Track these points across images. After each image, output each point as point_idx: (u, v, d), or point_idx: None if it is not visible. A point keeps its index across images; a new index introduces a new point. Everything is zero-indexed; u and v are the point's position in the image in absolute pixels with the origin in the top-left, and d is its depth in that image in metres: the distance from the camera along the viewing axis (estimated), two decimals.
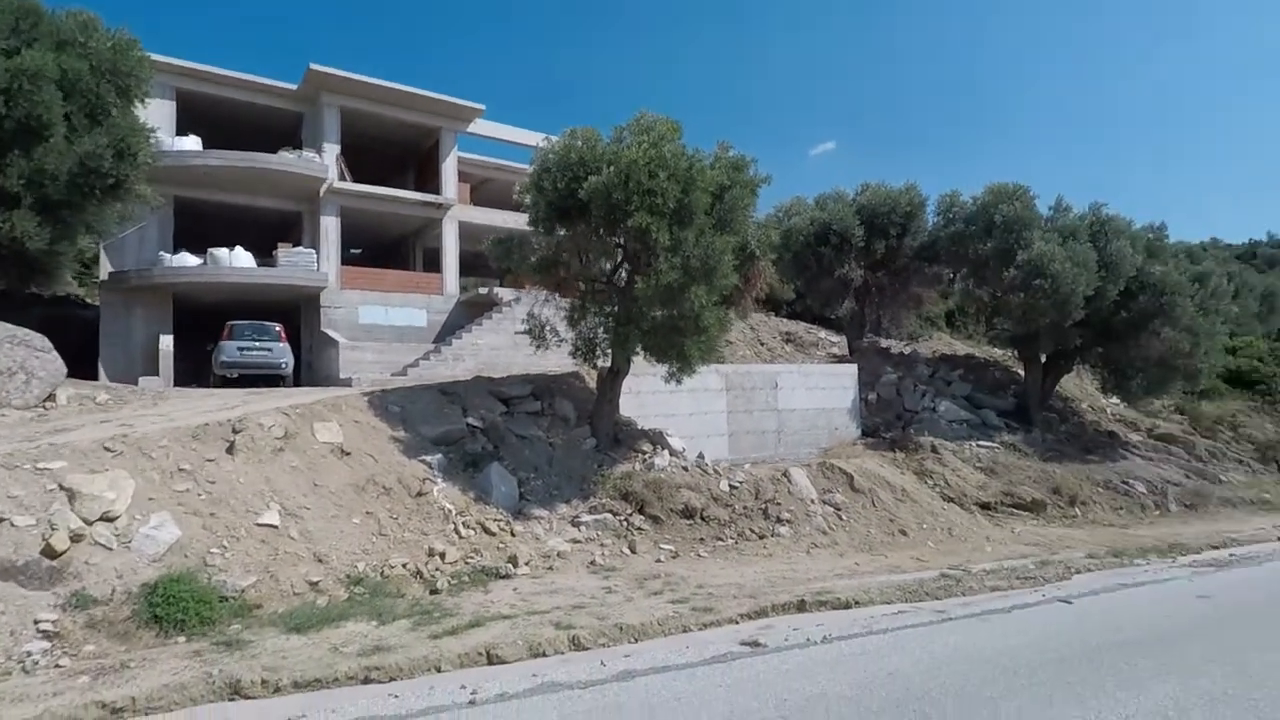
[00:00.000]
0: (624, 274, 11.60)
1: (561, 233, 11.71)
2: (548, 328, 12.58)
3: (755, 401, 17.14)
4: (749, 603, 7.99)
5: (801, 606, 8.07)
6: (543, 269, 11.85)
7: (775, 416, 17.44)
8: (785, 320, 32.49)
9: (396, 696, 5.18)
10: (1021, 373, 22.19)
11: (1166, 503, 17.22)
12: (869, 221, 21.60)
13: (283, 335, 17.25)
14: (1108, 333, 18.69)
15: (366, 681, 5.56)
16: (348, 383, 16.53)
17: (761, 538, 11.42)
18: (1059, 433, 20.32)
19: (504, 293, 21.76)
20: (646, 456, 13.01)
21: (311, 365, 20.95)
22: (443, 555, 8.89)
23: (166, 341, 18.07)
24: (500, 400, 13.44)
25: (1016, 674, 5.66)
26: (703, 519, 11.78)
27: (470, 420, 12.54)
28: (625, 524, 11.16)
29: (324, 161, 20.88)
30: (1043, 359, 20.45)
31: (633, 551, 10.27)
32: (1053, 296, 16.92)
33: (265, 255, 20.66)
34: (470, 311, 22.65)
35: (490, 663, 6.14)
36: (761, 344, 29.92)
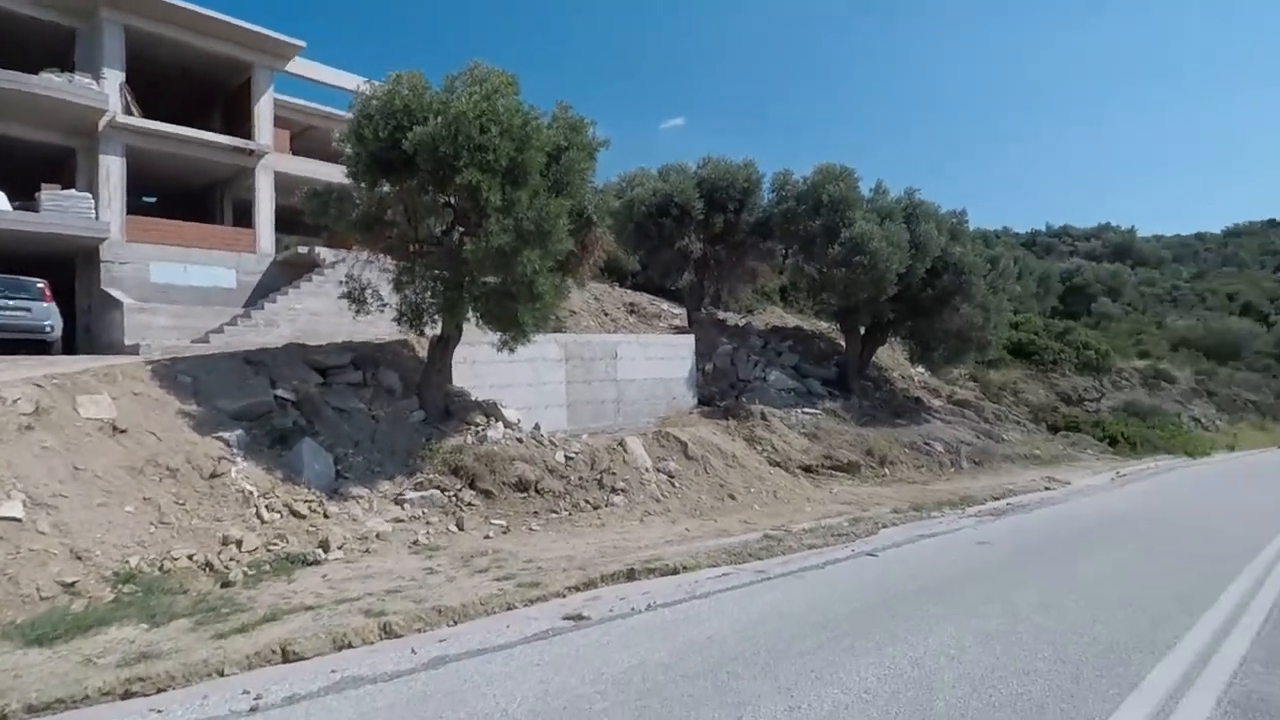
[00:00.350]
0: (456, 235, 10.88)
1: (385, 188, 10.78)
2: (369, 290, 11.63)
3: (595, 372, 17.02)
4: (578, 575, 7.82)
5: (631, 575, 8.02)
6: (364, 226, 10.88)
7: (615, 386, 17.44)
8: (629, 291, 32.71)
9: (160, 711, 4.46)
10: (844, 344, 23.78)
11: (960, 460, 19.20)
12: (709, 195, 22.03)
13: (46, 293, 14.76)
14: (916, 307, 20.40)
15: (127, 696, 4.77)
16: (135, 350, 14.47)
17: (596, 508, 11.34)
18: (874, 399, 22.02)
19: (327, 253, 20.00)
20: (479, 429, 12.48)
21: (91, 330, 18.23)
22: (239, 543, 7.95)
23: None
24: (316, 370, 12.31)
25: (825, 627, 5.89)
26: (537, 491, 11.50)
27: (280, 392, 11.37)
28: (454, 500, 10.64)
29: (103, 90, 17.96)
30: (861, 331, 21.98)
31: (460, 529, 9.79)
32: (871, 272, 18.13)
33: (29, 199, 17.56)
34: (289, 273, 20.63)
35: (286, 660, 5.49)
36: (605, 315, 29.92)
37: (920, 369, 27.10)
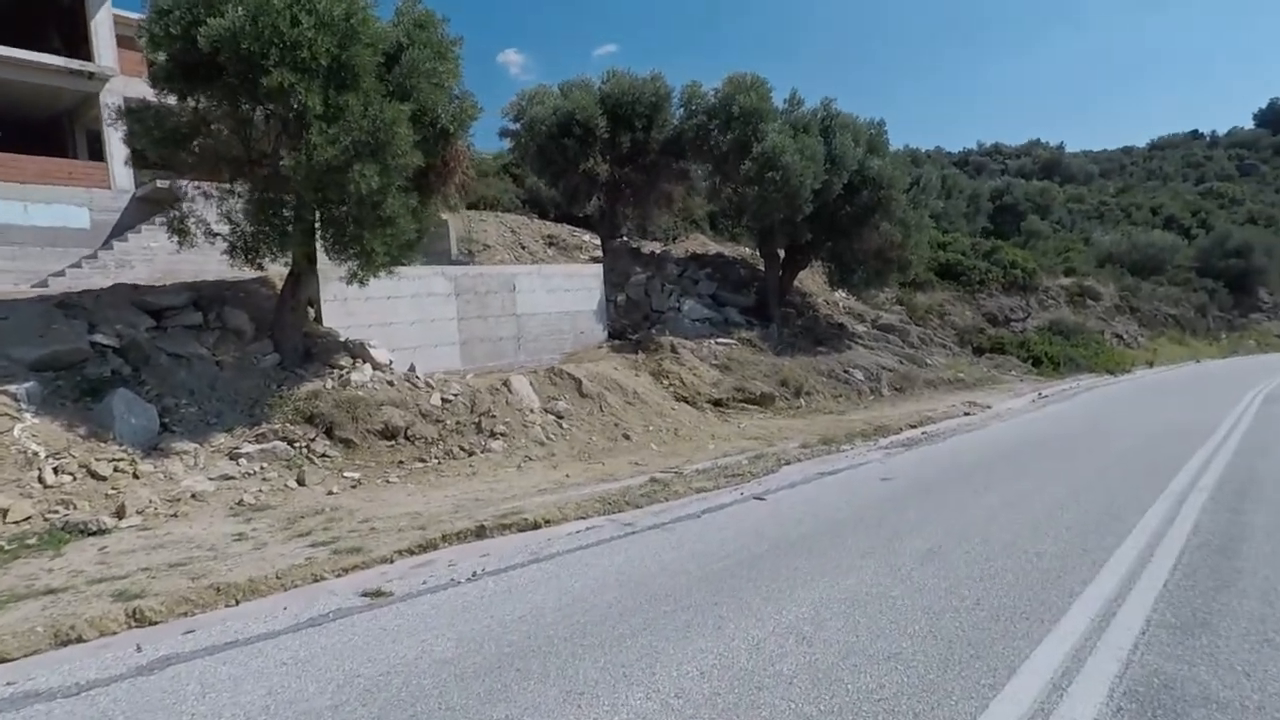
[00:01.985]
0: (281, 151, 9.37)
1: (193, 99, 9.15)
2: (191, 220, 10.08)
3: (490, 306, 15.77)
4: (415, 536, 6.84)
5: (481, 533, 7.08)
6: (173, 144, 9.26)
7: (514, 322, 16.24)
8: (549, 224, 31.13)
9: None
10: (764, 270, 22.91)
11: (880, 387, 18.76)
12: (614, 112, 20.46)
13: None
14: (834, 227, 19.54)
15: None
16: None
17: (470, 455, 10.33)
18: (795, 327, 21.34)
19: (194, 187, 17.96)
20: (343, 372, 11.23)
21: None
22: (4, 513, 6.70)
23: None
24: (149, 313, 10.81)
25: (667, 598, 5.05)
26: (407, 438, 10.43)
27: (98, 338, 9.89)
28: (305, 451, 9.48)
29: None
30: (780, 255, 21.10)
31: (301, 484, 8.66)
32: (784, 189, 17.09)
33: None
34: (152, 210, 18.52)
35: None
36: (523, 248, 28.36)
37: (843, 293, 26.55)
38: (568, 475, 9.81)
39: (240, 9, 8.08)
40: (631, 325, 19.07)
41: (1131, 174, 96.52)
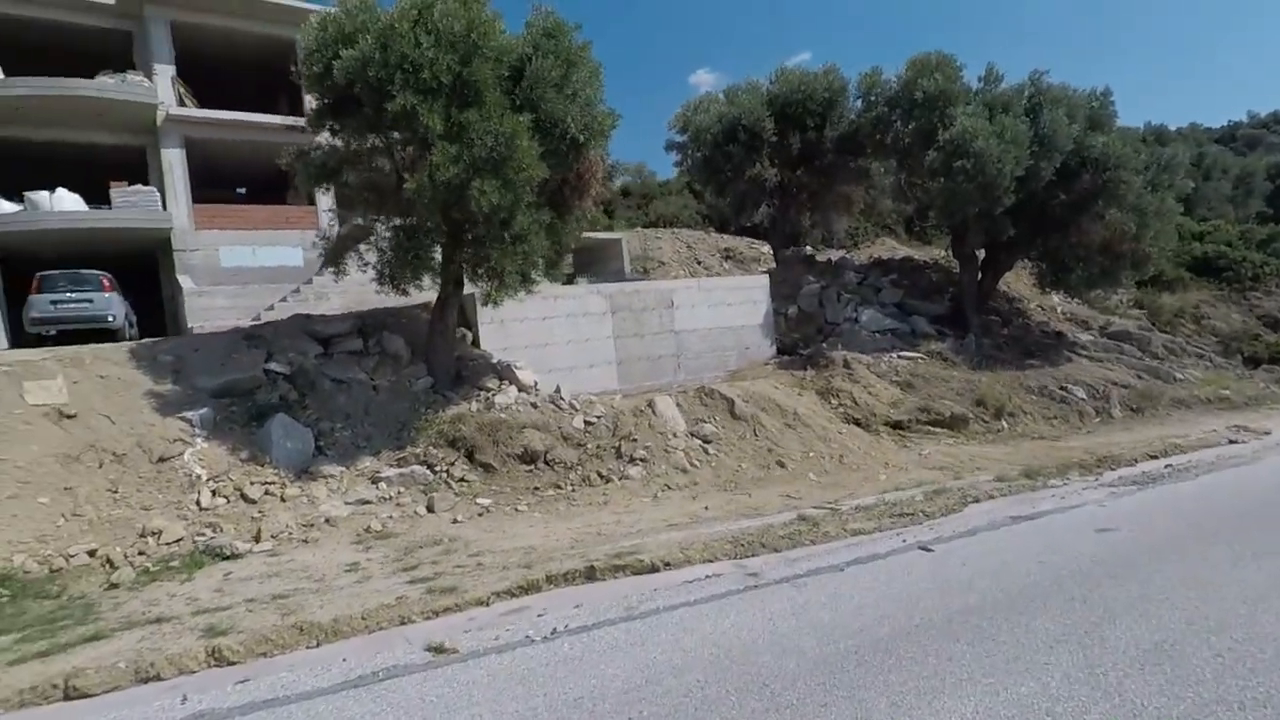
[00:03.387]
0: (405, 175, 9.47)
1: (340, 137, 9.54)
2: (348, 252, 10.52)
3: (647, 324, 15.24)
4: (518, 575, 6.27)
5: (590, 574, 6.37)
6: (321, 178, 9.71)
7: (673, 339, 15.58)
8: (726, 237, 30.33)
9: None
10: (959, 274, 20.31)
11: (1109, 407, 15.64)
12: (783, 113, 19.23)
13: (106, 284, 15.05)
14: (1044, 219, 16.71)
15: None
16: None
17: (607, 482, 9.71)
18: (998, 337, 18.59)
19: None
20: (489, 395, 11.17)
21: (176, 317, 18.82)
22: (159, 534, 7.11)
23: None
24: (318, 341, 11.48)
25: (763, 688, 3.97)
26: (546, 463, 10.05)
27: (273, 365, 10.61)
28: (444, 476, 9.40)
29: (153, 86, 18.18)
30: (979, 256, 18.52)
31: (429, 511, 8.52)
32: (977, 179, 14.83)
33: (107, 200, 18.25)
34: (351, 246, 20.36)
35: (68, 698, 4.42)
36: (698, 263, 27.86)
37: (1061, 297, 22.86)
38: (706, 508, 8.83)
39: (369, 38, 8.19)
40: (803, 339, 17.62)
41: None
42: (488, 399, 10.99)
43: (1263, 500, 8.32)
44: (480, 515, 8.53)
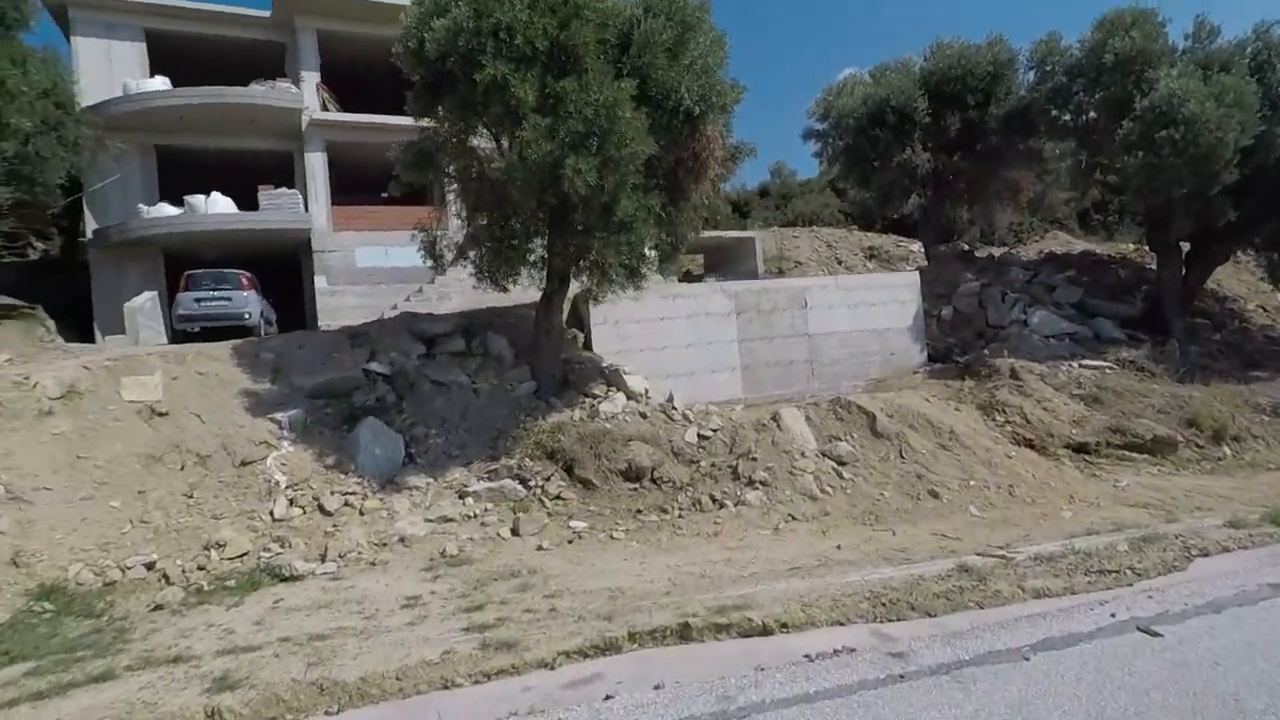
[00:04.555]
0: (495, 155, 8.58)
1: (435, 120, 8.85)
2: (444, 244, 9.87)
3: (777, 325, 13.69)
4: (596, 628, 5.11)
5: (685, 634, 5.10)
6: (417, 167, 9.07)
7: (805, 343, 13.92)
8: (871, 235, 27.98)
9: None
10: (1155, 269, 17.10)
11: None
12: (938, 91, 16.97)
13: (245, 283, 15.57)
14: (1276, 199, 13.48)
15: None
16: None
17: (720, 507, 8.35)
18: (1208, 344, 15.36)
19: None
20: (595, 402, 10.14)
21: (317, 315, 19.46)
22: (223, 547, 6.58)
23: (139, 298, 16.94)
24: (422, 340, 10.95)
25: None
26: (653, 481, 8.88)
27: (373, 366, 10.16)
28: (539, 491, 8.45)
29: (299, 92, 18.85)
30: (1183, 247, 15.39)
31: (515, 534, 7.55)
32: (1187, 151, 12.09)
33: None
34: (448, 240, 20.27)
35: None
36: (839, 263, 25.74)
37: None
38: (838, 546, 7.26)
39: (462, 4, 7.37)
40: (960, 345, 15.35)
41: None
42: (592, 407, 9.96)
43: None
44: (570, 542, 7.45)
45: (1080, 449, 10.88)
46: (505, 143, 8.38)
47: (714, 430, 9.64)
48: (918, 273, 15.63)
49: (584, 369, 10.98)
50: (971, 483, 9.13)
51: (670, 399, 10.34)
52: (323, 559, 6.65)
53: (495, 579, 6.33)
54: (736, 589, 5.98)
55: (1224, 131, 12.00)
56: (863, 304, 14.41)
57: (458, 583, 6.24)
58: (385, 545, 7.04)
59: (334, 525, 7.27)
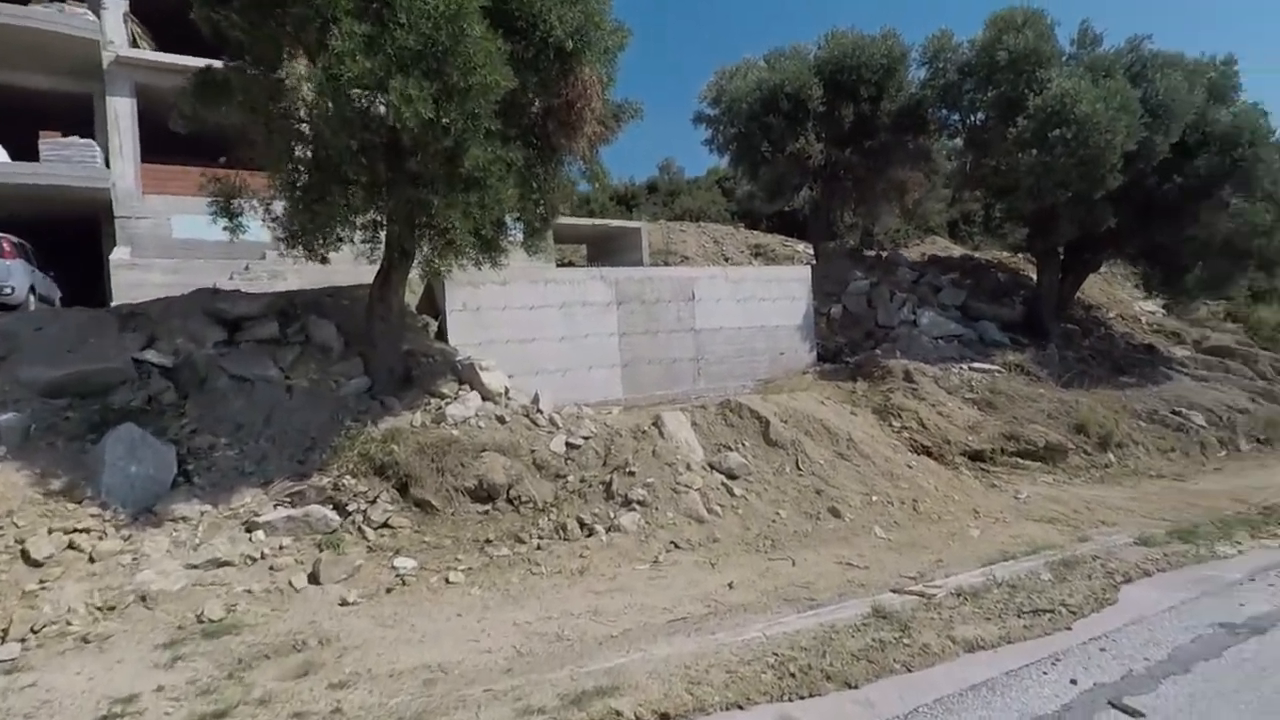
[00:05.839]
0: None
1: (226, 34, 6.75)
2: (241, 201, 7.80)
3: (661, 319, 12.35)
4: None
5: None
6: (206, 93, 6.94)
7: (692, 339, 12.67)
8: (758, 234, 27.50)
9: None
10: (1033, 276, 17.22)
11: (1235, 438, 12.51)
12: (833, 80, 16.25)
13: (6, 249, 12.46)
14: (1151, 209, 13.59)
15: None
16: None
17: (589, 534, 6.82)
18: (1080, 349, 15.47)
19: None
20: (444, 402, 8.35)
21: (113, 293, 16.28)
22: None
23: None
24: (224, 324, 8.73)
25: None
26: (509, 502, 7.24)
27: (150, 355, 7.88)
28: (358, 521, 6.58)
29: (98, 21, 15.62)
30: (1061, 254, 15.42)
31: (314, 581, 5.69)
32: (1078, 152, 11.79)
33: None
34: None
35: None
36: (726, 260, 24.96)
37: (1151, 306, 19.65)
38: (731, 584, 5.91)
39: None
40: (849, 344, 14.63)
41: None
42: (439, 409, 8.16)
43: None
44: (389, 590, 5.67)
45: (976, 456, 10.22)
46: (313, 62, 6.43)
47: (586, 438, 8.11)
48: (808, 269, 14.78)
49: (432, 363, 9.13)
50: (874, 498, 8.09)
51: (535, 400, 8.71)
52: (2, 638, 4.53)
53: (267, 657, 4.49)
54: (603, 658, 4.47)
55: (1112, 134, 11.79)
56: (753, 298, 13.33)
57: (207, 667, 4.35)
58: (115, 609, 5.00)
59: (40, 581, 5.12)
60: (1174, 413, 12.59)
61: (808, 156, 15.97)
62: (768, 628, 4.99)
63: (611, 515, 7.01)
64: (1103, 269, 19.24)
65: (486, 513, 7.14)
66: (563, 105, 7.23)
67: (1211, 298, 16.59)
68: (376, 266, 8.33)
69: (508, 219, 7.73)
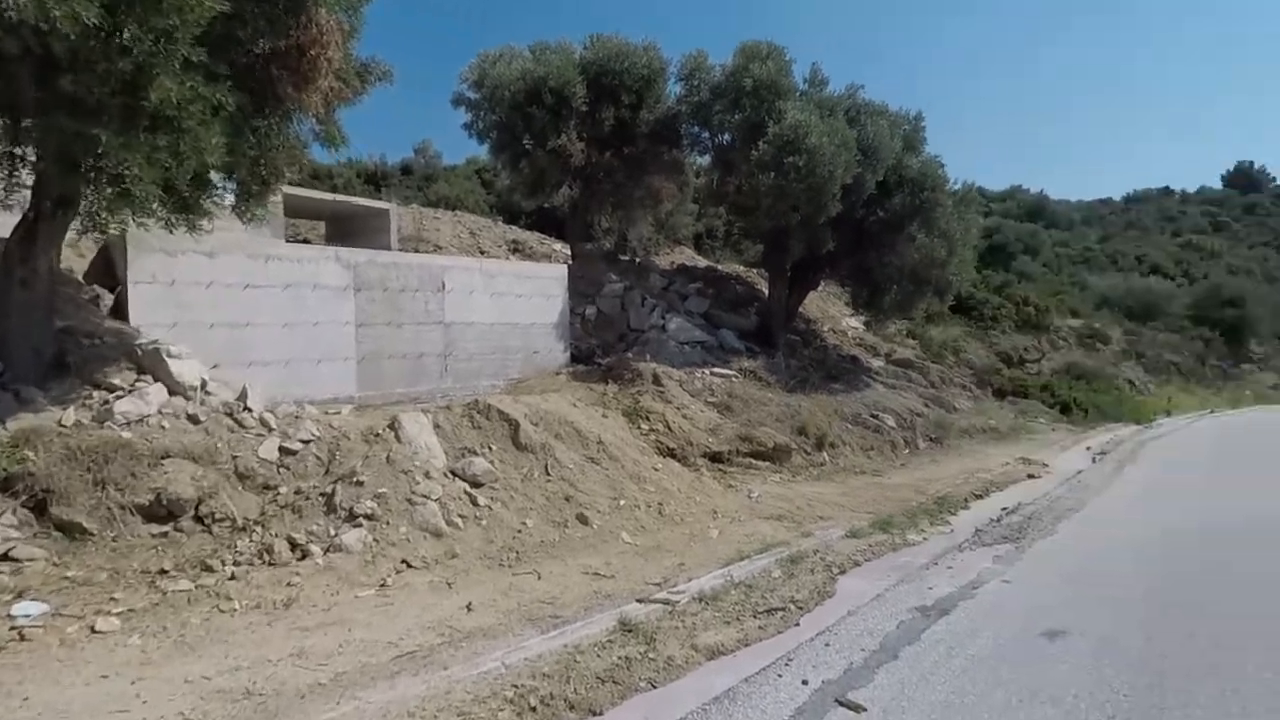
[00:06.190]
0: None
1: None
2: None
3: (407, 310, 11.31)
4: None
5: None
6: None
7: (441, 333, 11.79)
8: (517, 229, 26.91)
9: None
10: (765, 290, 18.83)
11: (916, 438, 14.64)
12: (597, 82, 16.30)
13: None
14: (861, 236, 15.50)
15: None
16: None
17: (303, 556, 5.80)
18: (803, 358, 17.19)
19: None
20: (114, 397, 6.67)
21: None
22: None
23: None
24: None
25: None
26: (199, 520, 5.96)
27: None
28: None
29: None
30: (788, 270, 16.99)
31: None
32: (808, 178, 13.01)
33: None
34: None
35: None
36: (483, 252, 23.97)
37: (854, 322, 22.57)
38: (469, 606, 5.34)
39: None
40: (602, 346, 14.73)
41: (1111, 224, 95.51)
42: (105, 405, 6.50)
43: (1172, 565, 6.66)
44: (7, 645, 4.24)
45: (716, 458, 10.70)
46: None
47: (306, 442, 7.00)
48: (565, 268, 14.62)
49: (98, 346, 7.30)
50: (622, 502, 8.00)
51: (243, 396, 7.34)
52: None
53: None
54: (303, 715, 3.66)
55: (835, 166, 13.18)
56: (508, 294, 12.79)
57: None
58: None
59: None
60: (873, 416, 14.42)
61: (569, 154, 15.81)
62: (508, 655, 4.52)
63: (332, 532, 6.04)
64: (820, 287, 21.71)
65: (165, 535, 5.80)
66: (293, 49, 6.12)
67: (901, 317, 19.35)
68: (18, 217, 6.42)
69: (215, 176, 6.37)
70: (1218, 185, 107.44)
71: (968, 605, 5.69)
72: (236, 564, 5.52)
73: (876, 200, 15.23)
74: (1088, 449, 16.81)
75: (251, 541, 5.83)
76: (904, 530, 8.23)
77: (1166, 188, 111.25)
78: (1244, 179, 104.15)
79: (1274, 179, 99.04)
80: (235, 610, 4.96)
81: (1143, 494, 11.08)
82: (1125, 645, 4.75)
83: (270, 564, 5.62)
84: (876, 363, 20.35)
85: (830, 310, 24.16)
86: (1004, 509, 9.62)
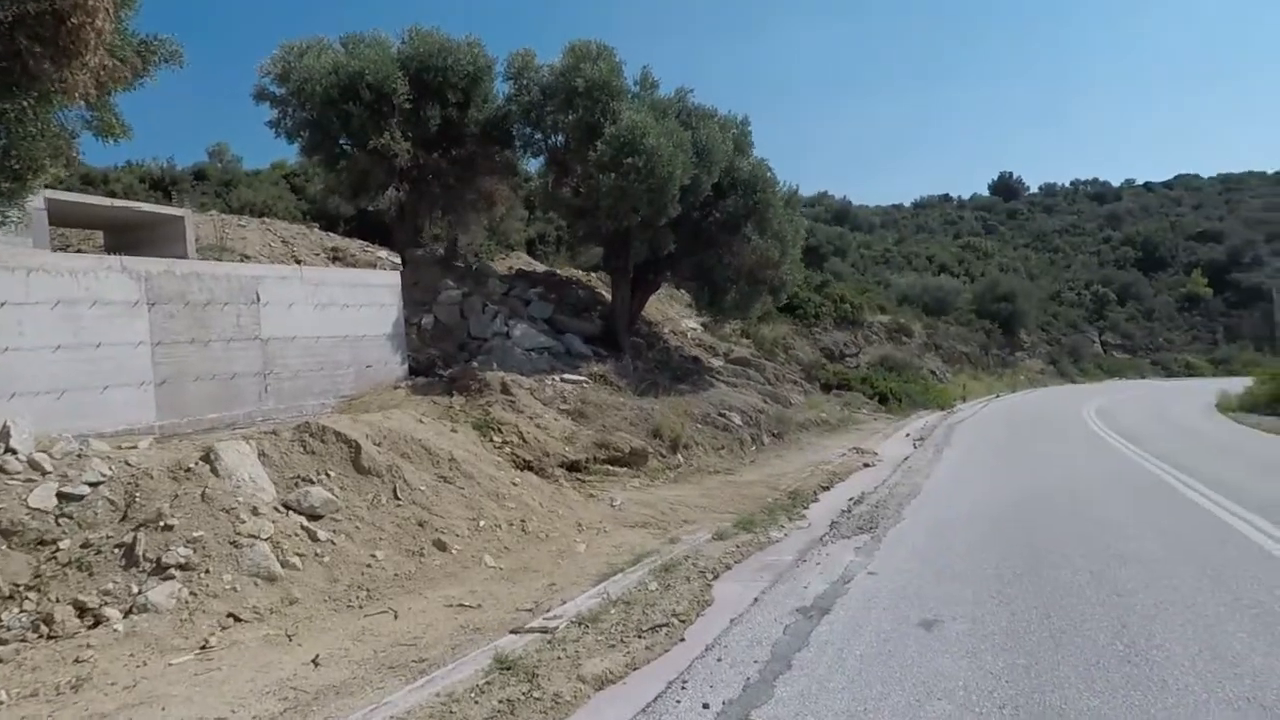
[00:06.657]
0: None
1: None
2: None
3: (216, 325, 9.94)
4: None
5: None
6: None
7: (258, 350, 10.49)
8: (336, 237, 24.93)
9: None
10: (607, 294, 18.80)
11: (761, 434, 15.18)
12: (419, 79, 15.41)
13: None
14: (699, 238, 15.88)
15: None
16: None
17: (96, 623, 4.77)
18: (649, 360, 17.32)
19: None
20: None
21: None
22: None
23: None
24: None
25: None
26: None
27: None
28: None
29: None
30: (631, 273, 17.06)
31: None
32: (649, 179, 13.07)
33: None
34: None
35: None
36: (299, 262, 21.93)
37: (695, 323, 23.18)
38: (316, 660, 4.63)
39: None
40: (443, 356, 13.89)
41: (904, 227, 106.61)
42: None
43: (1004, 534, 7.26)
44: None
45: (574, 467, 10.38)
46: None
47: (93, 484, 5.82)
48: (398, 274, 13.63)
49: None
50: (482, 523, 7.44)
51: (4, 434, 5.99)
52: None
53: None
54: None
55: (673, 167, 13.35)
56: (334, 304, 11.66)
57: None
58: None
59: None
60: (720, 415, 14.77)
61: (394, 155, 14.80)
62: (370, 714, 3.92)
63: (135, 590, 5.03)
64: (660, 289, 22.09)
65: None
66: (48, 15, 5.03)
67: (741, 317, 20.05)
68: None
69: None
70: (985, 193, 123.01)
71: (844, 602, 5.74)
72: (3, 642, 4.41)
73: (712, 202, 15.66)
74: (908, 435, 18.35)
75: (23, 611, 4.71)
76: (766, 528, 8.32)
77: (947, 194, 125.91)
78: (1005, 188, 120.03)
79: (1028, 188, 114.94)
80: (3, 703, 3.93)
81: (962, 473, 12.14)
82: (992, 627, 4.98)
83: (51, 637, 4.56)
84: (717, 362, 21.00)
85: (669, 312, 24.66)
86: (850, 499, 10.00)
